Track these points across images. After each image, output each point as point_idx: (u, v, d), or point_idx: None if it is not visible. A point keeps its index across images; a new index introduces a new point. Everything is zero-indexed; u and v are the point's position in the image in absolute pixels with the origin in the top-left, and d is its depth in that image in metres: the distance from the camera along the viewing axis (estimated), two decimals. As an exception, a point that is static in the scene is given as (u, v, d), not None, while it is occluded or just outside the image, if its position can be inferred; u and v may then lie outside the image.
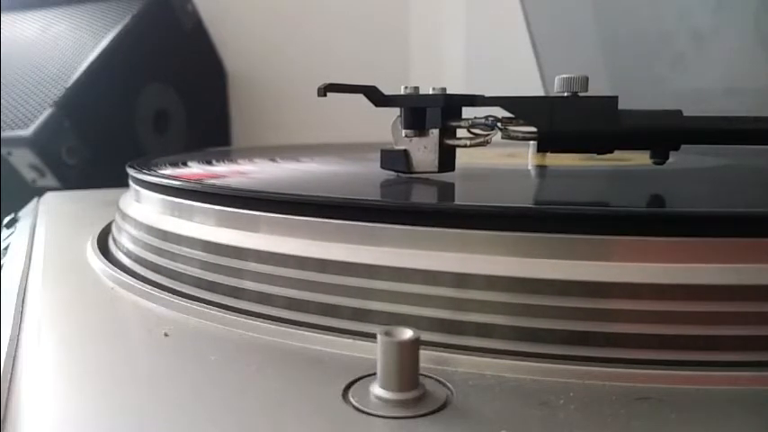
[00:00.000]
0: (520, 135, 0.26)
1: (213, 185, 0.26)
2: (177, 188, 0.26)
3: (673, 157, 0.27)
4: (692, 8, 0.54)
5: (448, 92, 0.27)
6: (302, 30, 0.91)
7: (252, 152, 0.47)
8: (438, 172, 0.27)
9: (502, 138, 0.26)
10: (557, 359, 0.17)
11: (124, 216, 0.30)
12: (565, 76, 0.26)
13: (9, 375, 0.18)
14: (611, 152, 0.26)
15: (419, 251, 0.19)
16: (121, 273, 0.26)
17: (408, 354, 0.15)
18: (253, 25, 0.90)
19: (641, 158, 0.30)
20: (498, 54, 0.78)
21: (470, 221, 0.19)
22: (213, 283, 0.23)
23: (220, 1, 0.88)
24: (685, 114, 0.25)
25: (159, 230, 0.26)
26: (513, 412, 0.15)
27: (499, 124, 0.26)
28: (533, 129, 0.26)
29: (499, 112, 0.26)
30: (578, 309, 0.17)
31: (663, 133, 0.25)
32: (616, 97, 0.25)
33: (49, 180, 0.63)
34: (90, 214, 0.39)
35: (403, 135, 0.27)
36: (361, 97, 0.27)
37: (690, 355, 0.17)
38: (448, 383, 0.16)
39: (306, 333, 0.19)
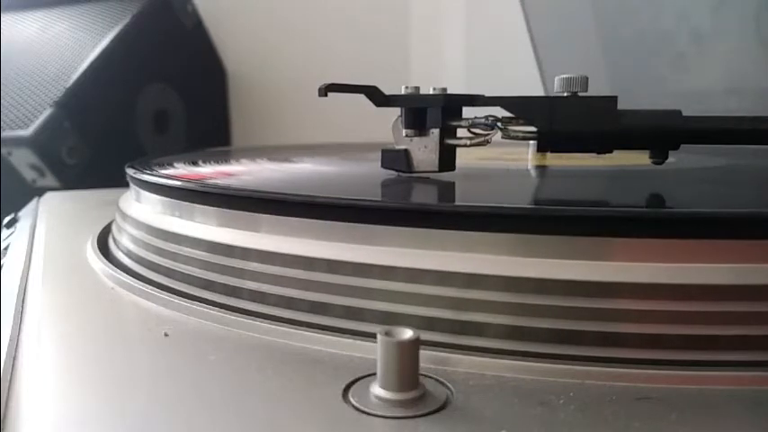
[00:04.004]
0: (520, 135, 0.26)
1: (213, 186, 0.26)
2: (177, 188, 0.26)
3: (672, 157, 0.27)
4: (691, 8, 0.54)
5: (448, 92, 0.27)
6: (302, 30, 0.91)
7: (252, 152, 0.47)
8: (438, 171, 0.27)
9: (502, 137, 0.26)
10: (557, 359, 0.17)
11: (124, 216, 0.30)
12: (565, 76, 0.26)
13: (9, 375, 0.18)
14: (611, 152, 0.26)
15: (419, 251, 0.19)
16: (121, 273, 0.26)
17: (408, 354, 0.15)
18: (253, 25, 0.90)
19: (641, 158, 0.30)
20: (498, 54, 0.78)
21: (471, 221, 0.19)
22: (213, 282, 0.23)
23: (220, 1, 0.88)
24: (685, 114, 0.25)
25: (159, 230, 0.26)
26: (513, 412, 0.15)
27: (499, 124, 0.26)
28: (533, 129, 0.26)
29: (499, 112, 0.26)
30: (578, 308, 0.17)
31: (662, 133, 0.25)
32: (616, 97, 0.25)
33: (49, 180, 0.63)
34: (90, 214, 0.39)
35: (404, 135, 0.27)
36: (361, 97, 0.27)
37: (690, 355, 0.17)
38: (448, 383, 0.16)
39: (306, 333, 0.19)
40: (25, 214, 0.44)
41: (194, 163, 0.37)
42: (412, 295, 0.19)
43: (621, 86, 0.59)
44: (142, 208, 0.29)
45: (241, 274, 0.22)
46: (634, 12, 0.59)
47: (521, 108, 0.26)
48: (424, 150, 0.27)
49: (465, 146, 0.27)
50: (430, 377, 0.16)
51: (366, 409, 0.15)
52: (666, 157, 0.26)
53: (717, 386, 0.16)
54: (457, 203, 0.24)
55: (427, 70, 0.89)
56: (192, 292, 0.24)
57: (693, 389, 0.16)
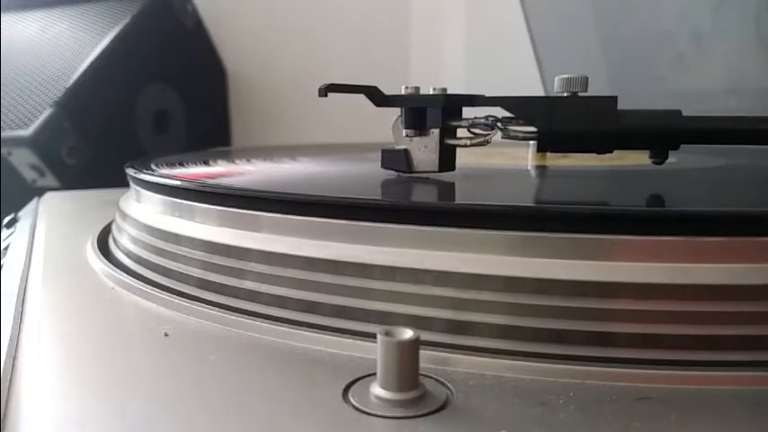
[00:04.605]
0: (520, 135, 0.26)
1: (213, 185, 0.26)
2: (177, 188, 0.26)
3: (673, 157, 0.27)
4: (691, 8, 0.54)
5: (448, 92, 0.27)
6: (302, 30, 0.91)
7: (252, 152, 0.47)
8: (438, 171, 0.27)
9: (502, 138, 0.26)
10: (557, 359, 0.17)
11: (124, 216, 0.30)
12: (565, 76, 0.26)
13: (9, 375, 0.18)
14: (611, 152, 0.26)
15: (419, 251, 0.19)
16: (121, 273, 0.26)
17: (408, 354, 0.15)
18: (253, 25, 0.90)
19: (641, 158, 0.30)
20: (498, 54, 0.78)
21: (471, 221, 0.19)
22: (213, 282, 0.23)
23: (220, 1, 0.88)
24: (685, 114, 0.25)
25: (159, 230, 0.26)
26: (513, 412, 0.15)
27: (499, 124, 0.26)
28: (533, 129, 0.26)
29: (499, 112, 0.26)
30: (578, 308, 0.17)
31: (662, 133, 0.25)
32: (615, 97, 0.25)
33: (49, 180, 0.63)
34: (90, 214, 0.39)
35: (404, 135, 0.27)
36: (361, 97, 0.27)
37: (690, 355, 0.17)
38: (448, 383, 0.16)
39: (306, 333, 0.19)
40: (25, 214, 0.44)
41: (194, 163, 0.37)
42: (411, 295, 0.19)
43: (621, 86, 0.59)
44: (142, 208, 0.29)
45: (241, 274, 0.22)
46: (634, 12, 0.59)
47: (521, 108, 0.26)
48: (424, 150, 0.27)
49: (465, 146, 0.27)
50: (430, 377, 0.16)
51: (366, 409, 0.15)
52: (666, 157, 0.26)
53: (717, 386, 0.16)
54: (456, 202, 0.24)
55: (427, 70, 0.89)
56: (191, 292, 0.24)
57: (693, 389, 0.16)
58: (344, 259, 0.20)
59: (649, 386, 0.16)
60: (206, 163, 0.37)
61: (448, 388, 0.16)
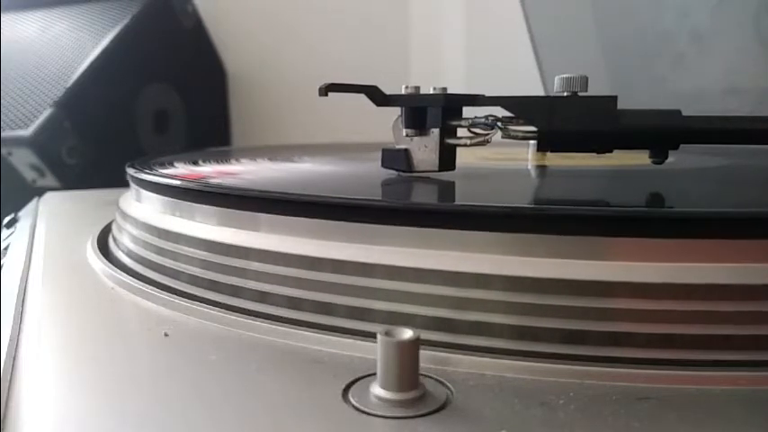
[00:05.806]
0: (520, 134, 0.26)
1: (214, 185, 0.26)
2: (177, 188, 0.26)
3: (672, 157, 0.27)
4: (691, 8, 0.54)
5: (448, 91, 0.27)
6: (302, 30, 0.91)
7: (252, 152, 0.47)
8: (438, 171, 0.27)
9: (502, 137, 0.26)
10: (557, 359, 0.17)
11: (124, 216, 0.30)
12: (565, 76, 0.26)
13: (9, 375, 0.18)
14: (611, 152, 0.26)
15: (419, 250, 0.19)
16: (121, 273, 0.26)
17: (408, 354, 0.15)
18: (253, 25, 0.90)
19: (641, 158, 0.30)
20: (498, 54, 0.78)
21: (471, 221, 0.19)
22: (213, 282, 0.23)
23: (220, 1, 0.88)
24: (685, 114, 0.25)
25: (160, 230, 0.26)
26: (513, 412, 0.15)
27: (499, 124, 0.26)
28: (533, 128, 0.26)
29: (499, 112, 0.26)
30: (578, 308, 0.17)
31: (662, 133, 0.25)
32: (615, 97, 0.25)
33: (49, 180, 0.63)
34: (90, 214, 0.39)
35: (404, 134, 0.27)
36: (361, 97, 0.27)
37: (690, 355, 0.17)
38: (448, 383, 0.16)
39: (306, 333, 0.19)
40: (25, 214, 0.44)
41: (195, 162, 0.37)
42: (411, 295, 0.19)
43: (621, 86, 0.59)
44: (142, 207, 0.29)
45: (241, 273, 0.22)
46: (634, 12, 0.59)
47: (521, 108, 0.26)
48: (425, 150, 0.27)
49: (465, 145, 0.27)
50: (430, 377, 0.16)
51: (366, 409, 0.15)
52: (666, 157, 0.26)
53: (717, 386, 0.16)
54: (458, 203, 0.24)
55: (427, 70, 0.89)
56: (192, 292, 0.24)
57: (693, 389, 0.16)
58: (345, 259, 0.20)
59: (649, 386, 0.16)
60: (206, 163, 0.37)
61: (448, 388, 0.16)
